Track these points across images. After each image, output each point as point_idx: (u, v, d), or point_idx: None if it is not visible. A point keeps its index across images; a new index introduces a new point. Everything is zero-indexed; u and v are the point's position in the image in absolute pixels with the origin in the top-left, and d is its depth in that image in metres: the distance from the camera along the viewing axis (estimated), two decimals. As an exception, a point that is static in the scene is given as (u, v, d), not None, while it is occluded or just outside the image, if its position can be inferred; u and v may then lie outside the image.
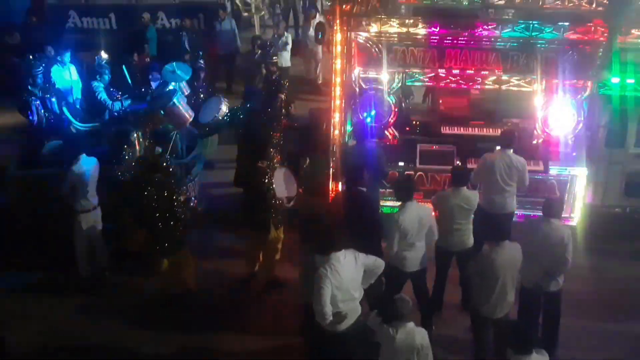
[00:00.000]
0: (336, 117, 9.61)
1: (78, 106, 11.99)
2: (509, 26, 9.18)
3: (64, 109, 11.14)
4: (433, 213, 7.78)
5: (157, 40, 15.39)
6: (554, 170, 9.48)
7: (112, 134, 9.96)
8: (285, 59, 15.08)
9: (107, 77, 11.35)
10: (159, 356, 7.87)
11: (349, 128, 9.80)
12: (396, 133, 9.94)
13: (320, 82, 15.59)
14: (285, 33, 15.73)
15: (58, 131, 10.80)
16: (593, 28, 8.97)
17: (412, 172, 9.58)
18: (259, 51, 13.74)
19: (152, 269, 8.60)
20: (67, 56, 12.32)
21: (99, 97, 11.14)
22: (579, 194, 9.47)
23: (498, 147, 8.77)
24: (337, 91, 9.54)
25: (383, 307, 6.21)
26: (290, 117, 12.26)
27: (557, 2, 11.44)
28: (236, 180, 9.98)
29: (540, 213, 7.60)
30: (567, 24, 9.01)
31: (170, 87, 10.87)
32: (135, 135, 9.79)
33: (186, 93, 11.20)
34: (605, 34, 8.96)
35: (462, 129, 10.02)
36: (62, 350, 8.00)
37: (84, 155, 8.68)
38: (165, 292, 8.65)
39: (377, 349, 6.20)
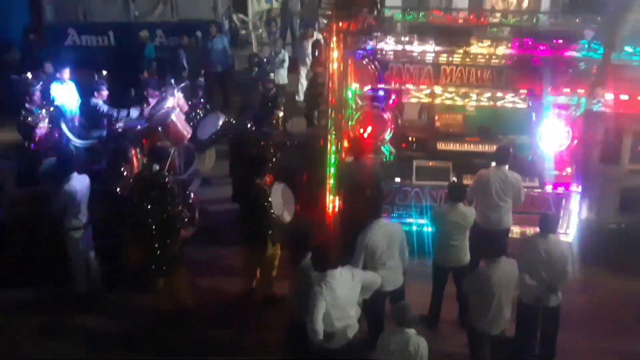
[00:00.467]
0: (333, 134, 9.67)
1: (77, 123, 12.04)
2: (503, 43, 9.26)
3: (63, 126, 11.19)
4: (403, 231, 7.70)
5: (155, 58, 15.46)
6: (549, 187, 9.53)
7: (110, 151, 10.00)
8: (282, 76, 15.14)
9: (105, 94, 11.41)
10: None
11: (345, 144, 9.86)
12: (392, 149, 10.00)
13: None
14: (282, 50, 15.85)
15: (56, 148, 10.84)
16: (587, 45, 9.05)
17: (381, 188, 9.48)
18: (256, 68, 13.82)
19: (148, 287, 8.60)
20: (66, 73, 12.39)
21: (100, 111, 11.19)
22: (574, 210, 9.51)
23: (493, 163, 8.82)
24: (334, 108, 9.60)
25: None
26: (286, 134, 12.32)
27: (552, 19, 11.63)
28: (234, 196, 10.02)
29: (535, 229, 7.64)
30: (561, 41, 9.08)
31: (168, 104, 10.93)
32: (133, 152, 9.83)
33: (184, 110, 11.27)
34: (599, 52, 9.05)
35: (457, 145, 10.09)
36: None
37: (76, 173, 8.70)
38: (161, 309, 8.64)
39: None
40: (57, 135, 11.06)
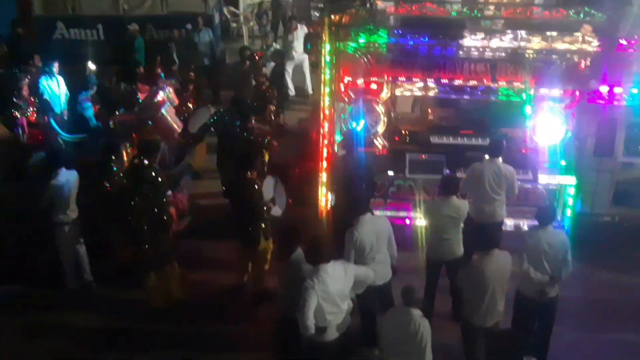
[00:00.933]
0: (325, 127, 9.61)
1: (65, 118, 11.93)
2: (497, 36, 9.21)
3: (51, 121, 11.09)
4: (390, 225, 7.63)
5: (145, 51, 15.35)
6: (543, 179, 9.49)
7: (100, 146, 9.91)
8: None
9: (94, 88, 11.33)
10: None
11: (338, 138, 9.80)
12: (385, 143, 9.93)
13: (310, 92, 15.58)
14: (274, 44, 15.76)
15: (45, 143, 10.74)
16: (581, 37, 9.01)
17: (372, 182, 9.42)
18: (248, 62, 13.72)
19: (140, 282, 8.53)
20: (55, 67, 12.26)
21: (83, 112, 11.12)
22: (568, 202, 9.49)
23: (487, 156, 8.77)
24: (326, 101, 9.54)
25: None
26: (279, 128, 12.25)
27: (545, 12, 11.58)
28: (225, 191, 9.95)
29: (530, 222, 7.60)
30: (555, 33, 9.04)
31: (159, 98, 10.84)
32: (123, 146, 9.74)
33: (175, 104, 11.18)
34: (593, 44, 9.01)
35: (451, 138, 10.03)
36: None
37: (64, 168, 8.61)
38: (153, 304, 8.57)
39: None
40: (45, 130, 10.94)
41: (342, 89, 9.66)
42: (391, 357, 6.38)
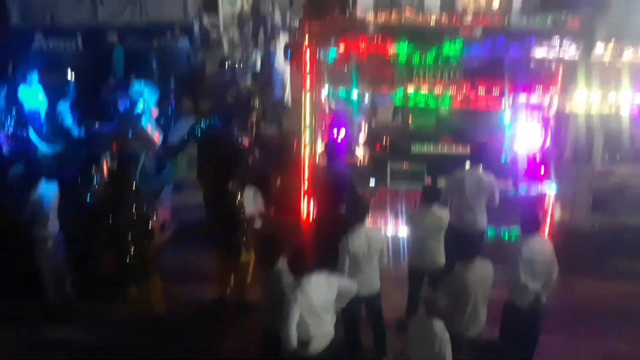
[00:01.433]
0: (306, 137, 9.61)
1: (45, 129, 11.81)
2: (476, 44, 9.27)
3: (30, 132, 10.98)
4: (384, 237, 7.62)
5: (125, 61, 15.27)
6: (522, 188, 9.56)
7: (80, 157, 9.82)
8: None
9: (72, 99, 11.24)
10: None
11: (319, 147, 9.80)
12: (367, 152, 9.95)
13: (289, 102, 15.58)
14: (254, 53, 15.76)
15: (24, 155, 10.62)
16: (558, 45, 9.10)
17: (366, 193, 9.49)
18: (228, 71, 13.71)
19: (121, 294, 8.45)
20: (33, 78, 12.14)
21: (62, 123, 11.02)
22: (547, 210, 9.55)
23: (467, 165, 8.82)
24: (307, 110, 9.54)
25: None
26: (260, 137, 12.22)
27: (523, 19, 11.69)
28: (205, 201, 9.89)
29: (512, 230, 7.63)
30: (532, 41, 9.12)
31: (139, 109, 10.78)
32: (103, 157, 9.66)
33: (155, 115, 11.12)
34: (571, 51, 9.11)
35: (431, 147, 10.09)
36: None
37: (44, 180, 8.52)
38: (135, 317, 8.49)
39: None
40: (24, 141, 10.83)
41: (323, 98, 9.67)
42: None
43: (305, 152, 9.62)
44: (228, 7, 20.87)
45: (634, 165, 9.80)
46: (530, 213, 8.84)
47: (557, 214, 9.77)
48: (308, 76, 9.43)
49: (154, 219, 8.70)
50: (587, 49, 9.21)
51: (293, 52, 13.72)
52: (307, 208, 9.61)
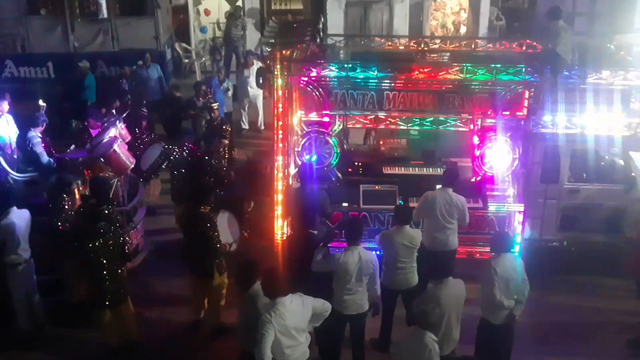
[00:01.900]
0: (279, 160, 9.69)
1: (15, 156, 11.74)
2: (444, 69, 9.47)
3: (1, 160, 10.90)
4: (377, 261, 7.66)
5: (97, 88, 15.26)
6: (492, 207, 9.72)
7: (51, 184, 9.77)
8: (227, 104, 15.10)
9: (44, 126, 11.20)
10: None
11: (292, 171, 9.88)
12: (339, 174, 10.05)
13: (262, 127, 15.68)
14: (227, 79, 15.85)
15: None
16: (523, 69, 9.33)
17: (358, 215, 9.64)
18: (200, 99, 13.78)
19: (94, 321, 8.37)
20: (4, 105, 12.08)
21: (33, 149, 10.98)
22: (517, 229, 9.71)
23: (439, 186, 8.96)
24: (280, 134, 9.63)
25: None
26: (233, 161, 12.29)
27: (490, 45, 11.98)
28: (178, 225, 9.89)
29: (482, 249, 7.73)
30: (499, 65, 9.34)
31: (110, 134, 10.77)
32: (74, 184, 9.62)
33: (127, 140, 11.12)
34: (536, 75, 9.34)
35: (402, 168, 10.24)
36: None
37: (15, 208, 8.45)
38: (108, 343, 8.41)
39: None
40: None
41: (295, 122, 9.77)
42: None
43: (278, 175, 9.68)
44: (200, 34, 21.01)
45: (600, 183, 9.99)
46: (501, 232, 9.03)
47: (527, 232, 9.91)
48: (280, 101, 9.53)
49: (127, 243, 8.65)
50: (553, 72, 9.45)
51: (265, 78, 13.87)
52: (281, 230, 9.65)
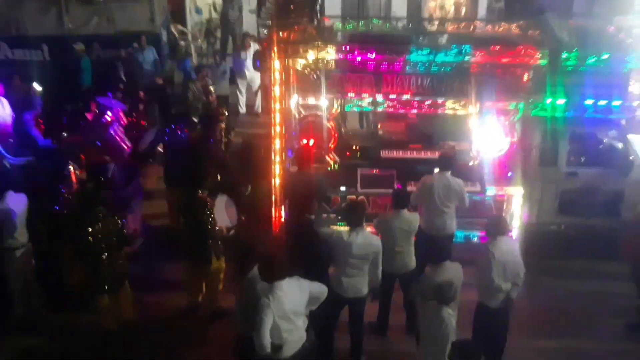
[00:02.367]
0: (276, 144, 9.64)
1: (10, 140, 11.67)
2: (442, 51, 9.40)
3: (-4, 143, 10.86)
4: (380, 246, 7.64)
5: (92, 71, 15.15)
6: (490, 191, 9.69)
7: (48, 168, 9.72)
8: (223, 87, 15.02)
9: (39, 109, 11.14)
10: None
11: (290, 155, 9.84)
12: (337, 158, 10.01)
13: (259, 110, 15.61)
14: (223, 62, 15.74)
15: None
16: (523, 51, 9.25)
17: (363, 197, 9.63)
18: (197, 79, 13.70)
19: (92, 305, 8.36)
20: (-2, 89, 12.02)
21: (29, 132, 10.91)
22: (515, 212, 9.70)
23: (437, 170, 8.93)
24: (277, 118, 9.57)
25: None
26: (229, 145, 12.22)
27: (488, 27, 11.87)
28: (177, 209, 9.86)
29: (481, 233, 7.71)
30: (497, 48, 9.27)
31: (107, 118, 10.72)
32: (71, 168, 9.58)
33: (123, 124, 11.06)
34: (535, 57, 9.26)
35: (400, 152, 10.22)
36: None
37: (11, 192, 8.42)
38: (106, 328, 8.40)
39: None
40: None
41: (292, 105, 9.71)
42: (425, 346, 6.71)
43: (276, 159, 9.64)
44: (196, 16, 20.80)
45: (598, 167, 9.97)
46: (498, 215, 9.02)
47: (525, 216, 9.90)
48: (277, 84, 9.46)
49: (124, 228, 8.63)
50: (552, 54, 9.37)
51: (262, 61, 13.79)
52: (278, 214, 9.62)
